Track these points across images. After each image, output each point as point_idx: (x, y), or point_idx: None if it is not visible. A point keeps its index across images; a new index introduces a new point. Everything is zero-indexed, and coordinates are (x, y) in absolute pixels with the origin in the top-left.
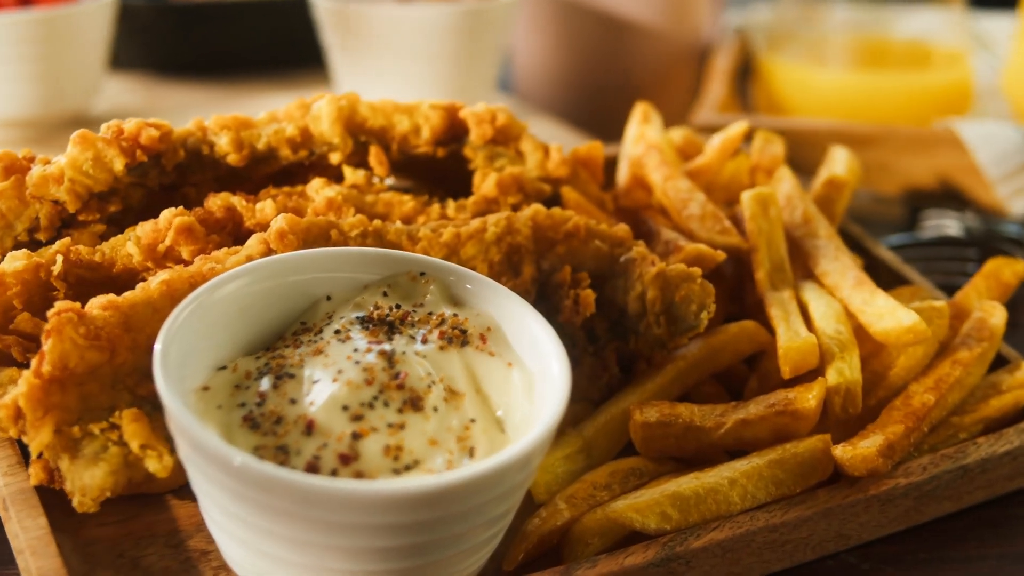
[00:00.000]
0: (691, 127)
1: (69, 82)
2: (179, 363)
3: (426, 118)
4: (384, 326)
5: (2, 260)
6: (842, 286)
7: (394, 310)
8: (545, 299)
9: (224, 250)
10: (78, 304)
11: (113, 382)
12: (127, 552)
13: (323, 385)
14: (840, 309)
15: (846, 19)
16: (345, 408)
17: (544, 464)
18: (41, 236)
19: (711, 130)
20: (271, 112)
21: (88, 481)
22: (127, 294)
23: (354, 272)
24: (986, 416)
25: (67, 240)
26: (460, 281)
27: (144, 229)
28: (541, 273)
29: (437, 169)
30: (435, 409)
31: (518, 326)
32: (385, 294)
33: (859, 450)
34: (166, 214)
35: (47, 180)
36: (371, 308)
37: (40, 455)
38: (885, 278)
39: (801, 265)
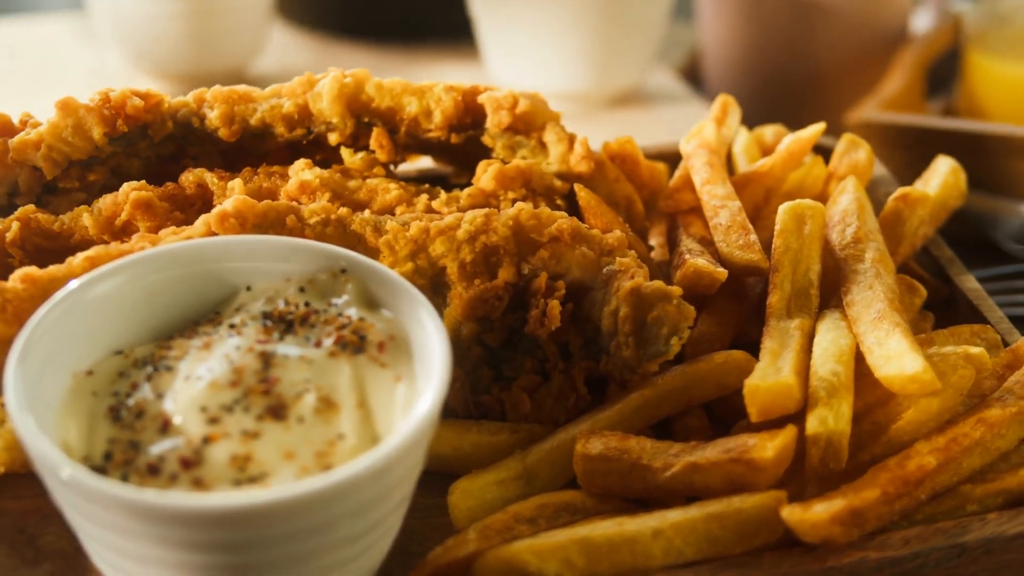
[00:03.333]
0: (848, 126)
1: (228, 39)
2: (52, 350)
3: (438, 101)
4: (282, 324)
5: None
6: (862, 319)
7: (299, 308)
8: (524, 307)
9: (169, 229)
10: None
11: None
12: (29, 528)
13: (190, 382)
14: (848, 347)
15: None
16: (203, 409)
17: (470, 488)
18: (20, 201)
19: (870, 130)
20: (276, 87)
21: None
22: (49, 268)
23: (276, 263)
24: (1009, 488)
25: (29, 208)
26: (380, 282)
27: (105, 202)
28: (521, 278)
29: (478, 157)
30: (300, 420)
31: (423, 338)
32: (302, 289)
33: (809, 514)
34: (125, 187)
35: (26, 145)
36: (279, 303)
37: None
38: (964, 313)
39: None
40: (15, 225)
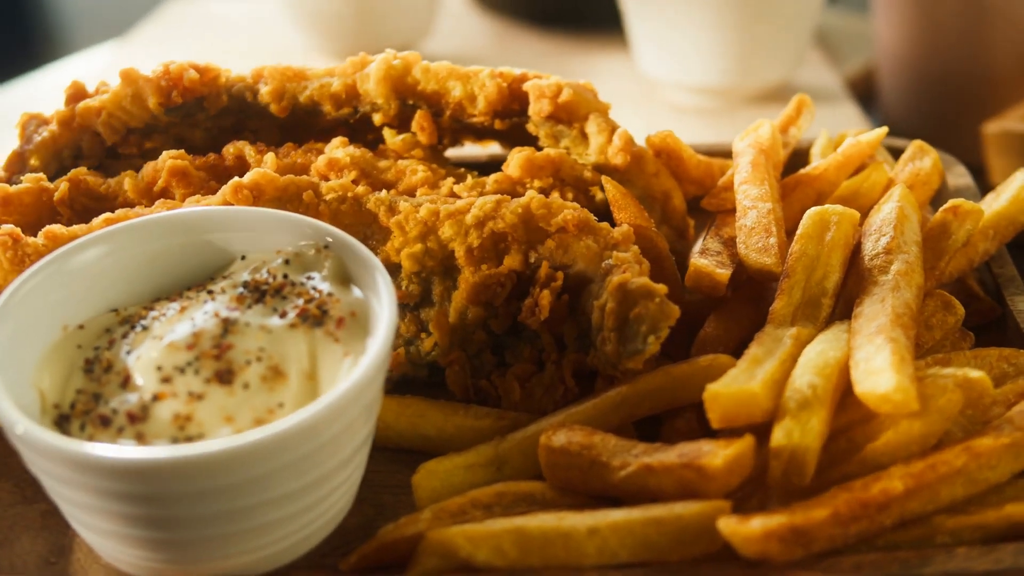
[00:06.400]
0: (986, 135)
1: (395, 19)
2: (37, 308)
3: (482, 86)
4: (256, 294)
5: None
6: (861, 332)
7: (276, 279)
8: (527, 295)
9: (194, 198)
10: (18, 230)
11: None
12: None
13: (155, 342)
14: (835, 360)
15: None
16: (159, 368)
17: (437, 469)
18: (82, 164)
19: (1009, 140)
20: (330, 67)
21: None
22: (72, 227)
23: (269, 235)
24: (987, 523)
25: (81, 169)
26: (357, 260)
27: (147, 168)
28: (528, 267)
29: (533, 144)
30: (245, 386)
31: (379, 316)
32: (287, 262)
33: (744, 527)
34: (164, 155)
35: (89, 111)
36: (262, 274)
37: None
38: (1012, 335)
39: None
40: (64, 185)
